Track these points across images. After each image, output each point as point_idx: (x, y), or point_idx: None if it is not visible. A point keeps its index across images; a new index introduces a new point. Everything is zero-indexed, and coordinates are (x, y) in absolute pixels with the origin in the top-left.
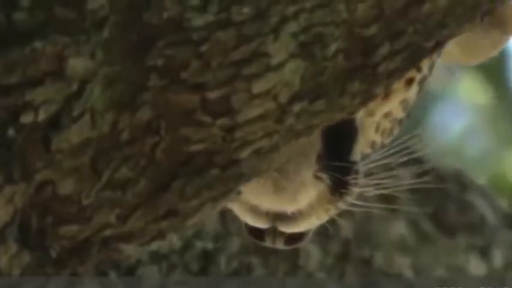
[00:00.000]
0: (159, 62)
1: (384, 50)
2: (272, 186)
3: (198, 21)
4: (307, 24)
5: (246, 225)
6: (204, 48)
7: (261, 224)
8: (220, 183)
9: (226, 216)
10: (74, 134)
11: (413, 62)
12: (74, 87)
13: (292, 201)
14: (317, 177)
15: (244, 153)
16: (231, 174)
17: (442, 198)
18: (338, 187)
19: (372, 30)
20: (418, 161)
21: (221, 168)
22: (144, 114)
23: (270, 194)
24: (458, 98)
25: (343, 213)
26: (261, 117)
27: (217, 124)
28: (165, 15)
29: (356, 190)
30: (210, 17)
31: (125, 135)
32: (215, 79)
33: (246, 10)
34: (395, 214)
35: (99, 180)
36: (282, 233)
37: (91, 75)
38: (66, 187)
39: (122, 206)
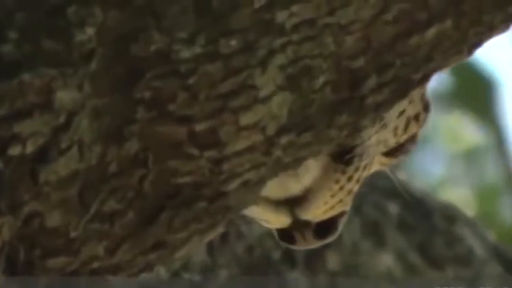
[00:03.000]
0: (147, 94)
1: (372, 82)
2: None
3: (186, 53)
4: (295, 57)
5: (277, 233)
6: (191, 80)
7: (283, 217)
8: (208, 216)
9: (213, 247)
10: (62, 166)
11: (401, 94)
12: (62, 119)
13: (295, 178)
14: None
15: (232, 186)
16: (218, 207)
17: (430, 231)
18: (340, 154)
19: (360, 62)
20: (405, 193)
21: (209, 200)
22: (132, 146)
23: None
24: (439, 143)
25: (330, 246)
26: (249, 150)
27: (204, 156)
28: (153, 47)
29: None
30: (197, 49)
31: (112, 168)
32: (203, 111)
33: (233, 43)
34: (383, 246)
35: (87, 213)
36: (308, 225)
37: (79, 107)
38: (53, 219)
39: (110, 238)
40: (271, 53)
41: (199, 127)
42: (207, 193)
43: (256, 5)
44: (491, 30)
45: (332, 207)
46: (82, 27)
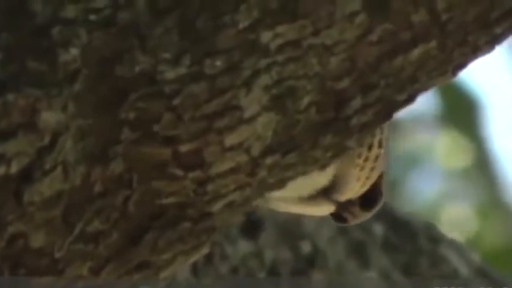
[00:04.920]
0: (131, 115)
1: (356, 103)
2: None
3: (171, 74)
4: (280, 78)
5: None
6: (176, 101)
7: (325, 207)
8: (193, 236)
9: (198, 268)
10: (46, 187)
11: (386, 115)
12: (46, 140)
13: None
14: None
15: (217, 206)
16: (203, 227)
17: (415, 252)
18: None
19: (344, 83)
20: (390, 214)
21: (193, 221)
22: (116, 167)
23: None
24: (434, 162)
25: (316, 266)
26: (233, 170)
27: (189, 177)
28: (137, 68)
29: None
30: (182, 70)
31: (97, 188)
32: (187, 132)
33: (218, 63)
34: (368, 266)
35: (71, 233)
36: (352, 202)
37: (63, 128)
38: (38, 240)
39: (94, 258)
40: (256, 73)
41: (183, 148)
42: (192, 214)
43: (241, 26)
44: (476, 51)
45: (367, 178)
46: (67, 47)
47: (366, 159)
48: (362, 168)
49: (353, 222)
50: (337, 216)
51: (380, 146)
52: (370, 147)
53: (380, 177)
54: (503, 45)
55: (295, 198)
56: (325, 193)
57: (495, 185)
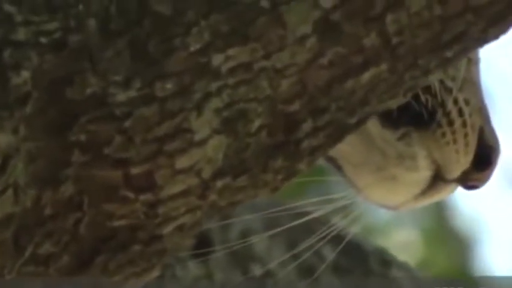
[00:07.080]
0: (82, 137)
1: (307, 126)
2: (384, 186)
3: (121, 96)
4: (231, 100)
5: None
6: (127, 123)
7: (449, 189)
8: (143, 259)
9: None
10: None
11: (337, 138)
12: None
13: (413, 171)
14: (402, 137)
15: (167, 229)
16: (153, 250)
17: (365, 274)
18: (421, 122)
19: (295, 106)
20: (341, 237)
21: (144, 243)
22: (67, 189)
23: (395, 187)
24: None
25: None
26: (184, 193)
27: (140, 200)
28: (88, 91)
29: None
30: (133, 93)
31: (47, 211)
32: (138, 155)
33: (169, 86)
34: None
35: (22, 256)
36: (468, 170)
37: (14, 150)
38: None
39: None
40: (207, 96)
41: (135, 170)
42: (142, 236)
43: (192, 49)
44: (426, 74)
45: (466, 145)
46: (18, 70)
47: (454, 133)
48: (455, 141)
49: (483, 184)
50: (466, 186)
51: (461, 114)
52: (450, 123)
53: (481, 132)
54: None
55: (412, 198)
56: (438, 178)
57: (443, 210)
